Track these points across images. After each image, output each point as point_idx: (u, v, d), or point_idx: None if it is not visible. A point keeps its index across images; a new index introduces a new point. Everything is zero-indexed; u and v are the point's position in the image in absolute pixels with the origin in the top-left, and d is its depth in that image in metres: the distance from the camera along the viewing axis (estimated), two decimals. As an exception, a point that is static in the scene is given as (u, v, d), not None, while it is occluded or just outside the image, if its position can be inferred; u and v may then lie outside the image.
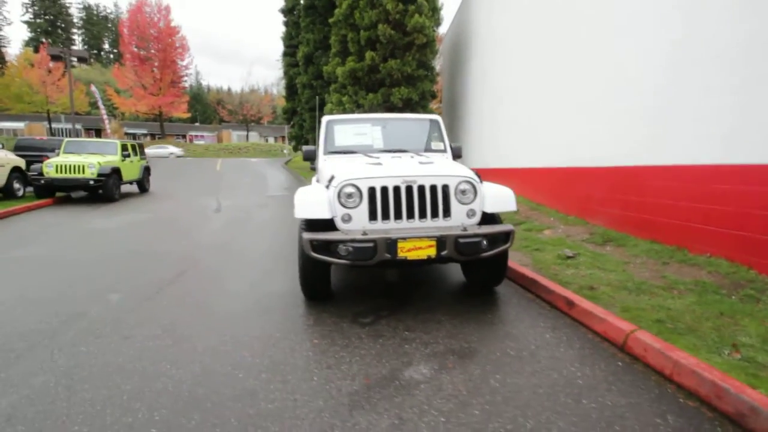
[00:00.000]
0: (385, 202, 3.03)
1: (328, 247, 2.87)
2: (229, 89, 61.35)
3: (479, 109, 12.35)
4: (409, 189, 3.05)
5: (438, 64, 14.58)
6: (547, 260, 4.30)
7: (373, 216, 3.02)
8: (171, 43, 33.37)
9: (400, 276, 4.02)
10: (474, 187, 3.16)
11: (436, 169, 3.23)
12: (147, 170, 12.69)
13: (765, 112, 3.41)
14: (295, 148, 22.49)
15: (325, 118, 4.43)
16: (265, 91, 63.98)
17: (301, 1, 20.53)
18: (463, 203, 3.12)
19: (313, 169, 4.37)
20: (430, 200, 3.06)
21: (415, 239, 2.84)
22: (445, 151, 4.35)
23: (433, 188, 3.07)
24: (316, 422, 1.79)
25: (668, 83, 4.39)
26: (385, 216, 3.03)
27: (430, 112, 13.83)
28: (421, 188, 3.06)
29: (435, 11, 13.23)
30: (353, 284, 3.78)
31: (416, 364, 2.29)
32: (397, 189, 3.04)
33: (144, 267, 4.34)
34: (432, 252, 2.86)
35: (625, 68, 5.02)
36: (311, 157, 4.34)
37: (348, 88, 13.55)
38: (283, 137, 56.08)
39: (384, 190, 3.03)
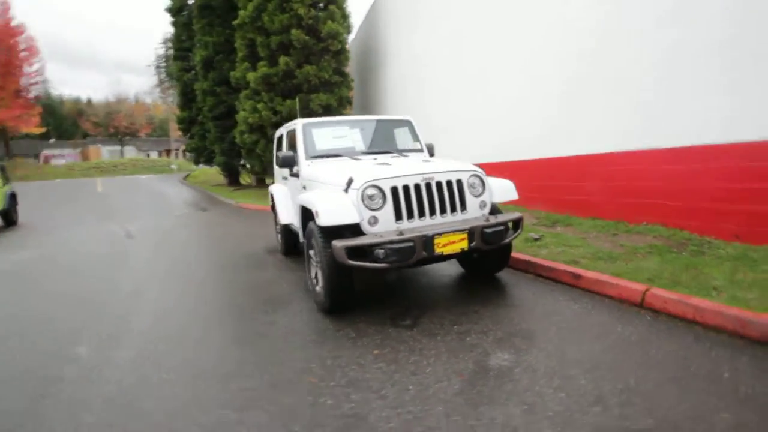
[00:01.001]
0: (408, 200, 3.00)
1: (365, 252, 2.73)
2: (89, 99, 52.91)
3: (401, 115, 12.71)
4: (428, 186, 3.08)
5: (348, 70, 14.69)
6: (517, 245, 4.71)
7: (398, 216, 2.97)
8: (14, 45, 27.33)
9: (398, 276, 4.01)
10: (482, 180, 3.33)
11: (447, 165, 3.32)
12: (13, 197, 10.22)
13: (676, 107, 4.29)
14: (196, 162, 20.35)
15: (300, 122, 4.18)
16: (136, 100, 56.90)
17: (189, 1, 18.82)
18: (476, 196, 3.27)
19: (295, 175, 4.08)
20: (448, 195, 3.14)
21: (449, 234, 2.88)
22: (422, 150, 4.47)
23: (449, 183, 3.16)
24: (454, 427, 1.71)
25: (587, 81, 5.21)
26: (410, 214, 3.01)
27: (341, 115, 13.89)
28: (439, 184, 3.12)
29: (345, 18, 13.37)
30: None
31: (493, 352, 2.33)
32: (417, 187, 3.04)
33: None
34: (465, 245, 2.94)
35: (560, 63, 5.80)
36: (290, 163, 4.05)
37: (263, 95, 12.85)
38: (168, 151, 50.39)
39: (406, 188, 3.01)
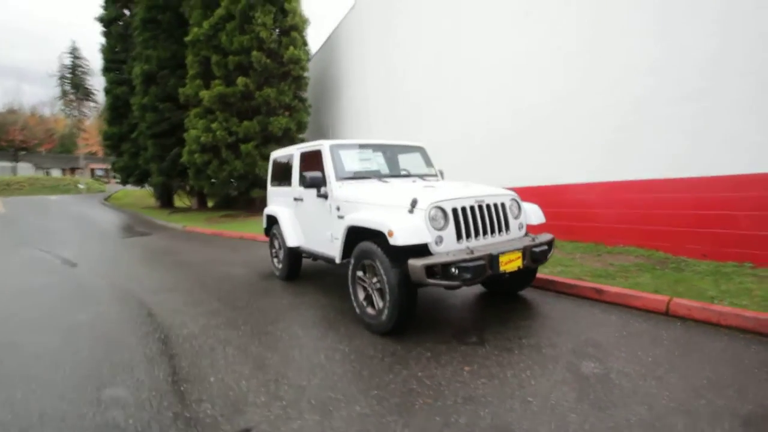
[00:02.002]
0: (465, 221, 3.15)
1: (442, 270, 2.79)
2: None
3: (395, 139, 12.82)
4: (480, 208, 3.26)
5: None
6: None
7: (459, 236, 3.09)
8: None
9: (423, 296, 4.06)
10: (518, 203, 3.62)
11: (488, 189, 3.54)
12: None
13: (642, 147, 5.10)
14: (124, 182, 18.28)
15: (327, 144, 4.14)
16: (31, 112, 50.07)
17: (126, 12, 17.50)
18: (515, 218, 3.53)
19: (323, 196, 3.99)
20: (496, 216, 3.35)
21: (509, 252, 3.06)
22: (436, 175, 4.68)
23: (496, 206, 3.38)
24: (601, 430, 1.82)
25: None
26: (468, 234, 3.15)
27: (302, 140, 13.79)
28: (488, 206, 3.32)
29: (305, 44, 13.50)
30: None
31: (578, 362, 2.50)
32: (472, 208, 3.21)
33: None
34: (520, 263, 3.14)
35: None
36: (318, 184, 3.97)
37: (217, 114, 12.26)
38: (74, 169, 44.69)
39: (464, 210, 3.16)
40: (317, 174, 3.99)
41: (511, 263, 3.07)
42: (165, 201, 17.83)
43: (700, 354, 2.54)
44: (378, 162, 4.36)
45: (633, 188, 5.19)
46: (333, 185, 3.91)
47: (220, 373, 2.55)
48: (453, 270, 2.79)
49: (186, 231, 11.79)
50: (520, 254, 3.13)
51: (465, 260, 2.81)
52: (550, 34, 6.18)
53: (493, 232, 3.31)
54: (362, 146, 4.37)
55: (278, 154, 5.40)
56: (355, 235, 3.38)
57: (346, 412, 2.06)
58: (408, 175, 4.38)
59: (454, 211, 3.10)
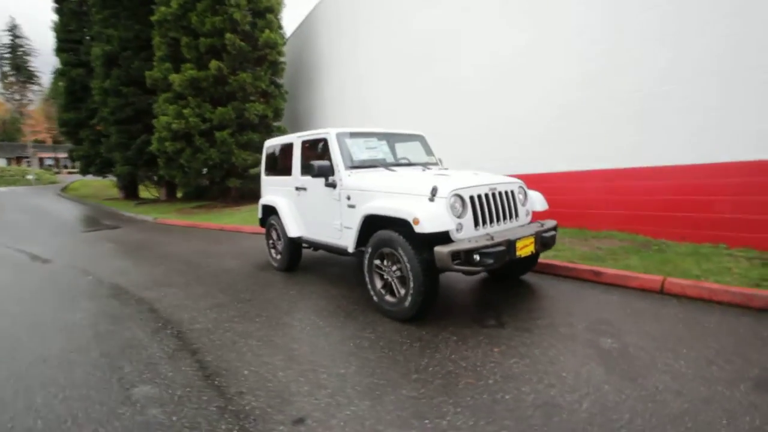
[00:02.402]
0: (482, 208, 3.24)
1: (465, 257, 2.87)
2: None
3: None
4: (493, 195, 3.37)
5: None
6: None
7: (476, 222, 3.19)
8: None
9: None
10: (525, 191, 3.76)
11: (499, 177, 3.65)
12: None
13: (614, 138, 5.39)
14: (84, 171, 17.05)
15: (333, 131, 4.09)
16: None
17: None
18: (523, 205, 3.67)
19: (332, 185, 3.95)
20: (507, 203, 3.47)
21: (524, 238, 3.19)
22: (437, 164, 4.75)
23: (507, 193, 3.50)
24: (637, 398, 1.98)
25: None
26: (484, 222, 3.25)
27: (279, 129, 13.45)
28: (500, 194, 3.44)
29: (280, 28, 13.05)
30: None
31: (596, 338, 2.68)
32: (486, 196, 3.31)
33: None
34: (533, 248, 3.28)
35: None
36: (326, 173, 3.93)
37: (189, 100, 11.69)
38: (20, 158, 41.28)
39: (479, 197, 3.25)
40: (325, 163, 3.95)
41: (525, 248, 3.20)
42: (130, 192, 16.87)
43: (701, 327, 2.79)
44: (383, 150, 4.37)
45: (614, 176, 5.50)
46: (342, 174, 3.89)
47: (252, 366, 2.53)
48: (475, 256, 2.88)
49: (158, 223, 11.28)
50: (533, 239, 3.28)
51: (487, 246, 2.91)
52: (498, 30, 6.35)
53: (505, 218, 3.43)
54: (368, 134, 4.35)
55: (274, 142, 5.27)
56: (370, 224, 3.40)
57: (394, 396, 2.11)
58: (410, 164, 4.41)
59: (471, 198, 3.18)
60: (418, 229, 2.89)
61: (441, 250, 2.84)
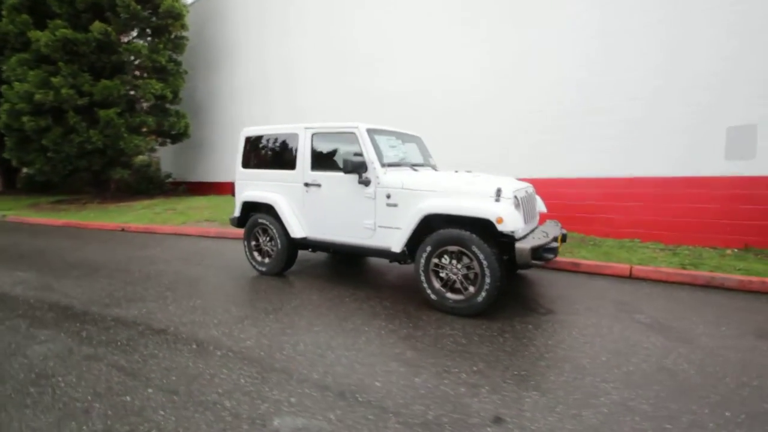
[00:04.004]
0: (524, 208, 3.60)
1: (540, 252, 3.17)
2: None
3: (255, 122, 11.67)
4: (527, 196, 3.77)
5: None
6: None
7: (524, 221, 3.52)
8: None
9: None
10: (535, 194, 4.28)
11: (515, 180, 4.07)
12: None
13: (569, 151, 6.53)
14: None
15: (363, 126, 3.90)
16: None
17: None
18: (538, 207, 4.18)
19: (365, 183, 3.76)
20: (532, 204, 3.92)
21: (558, 237, 3.66)
22: (434, 165, 4.96)
23: (531, 195, 3.95)
24: (699, 354, 2.57)
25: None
26: (525, 221, 3.61)
27: (177, 113, 11.69)
28: (530, 196, 3.86)
29: (182, -2, 11.33)
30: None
31: (627, 315, 3.28)
32: (524, 198, 3.68)
33: None
34: (559, 244, 3.78)
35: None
36: (360, 169, 3.74)
37: (61, 66, 9.20)
38: None
39: (523, 199, 3.59)
40: (361, 159, 3.76)
41: (559, 246, 3.68)
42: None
43: (687, 301, 3.69)
44: (403, 150, 4.36)
45: (556, 184, 6.61)
46: (378, 171, 3.76)
47: (374, 377, 2.32)
48: (543, 252, 3.22)
49: (11, 221, 8.57)
50: (559, 236, 3.79)
51: (550, 243, 3.27)
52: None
53: (532, 218, 3.87)
54: (387, 133, 4.27)
55: (258, 131, 4.69)
56: (429, 222, 3.42)
57: (550, 383, 2.26)
58: (424, 164, 4.51)
59: (521, 199, 3.51)
60: (500, 227, 3.07)
61: (524, 246, 3.07)
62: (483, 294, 3.17)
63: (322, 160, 4.20)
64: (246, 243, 4.69)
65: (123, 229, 7.89)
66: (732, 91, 5.23)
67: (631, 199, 5.99)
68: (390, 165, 3.91)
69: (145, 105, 11.04)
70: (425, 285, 3.43)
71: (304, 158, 4.24)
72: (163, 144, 12.05)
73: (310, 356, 2.59)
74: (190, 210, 9.49)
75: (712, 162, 5.38)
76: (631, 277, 4.46)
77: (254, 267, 4.66)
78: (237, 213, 4.76)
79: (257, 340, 2.83)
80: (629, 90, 5.96)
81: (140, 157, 12.50)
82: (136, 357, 2.56)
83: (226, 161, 12.65)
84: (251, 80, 11.47)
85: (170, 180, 14.26)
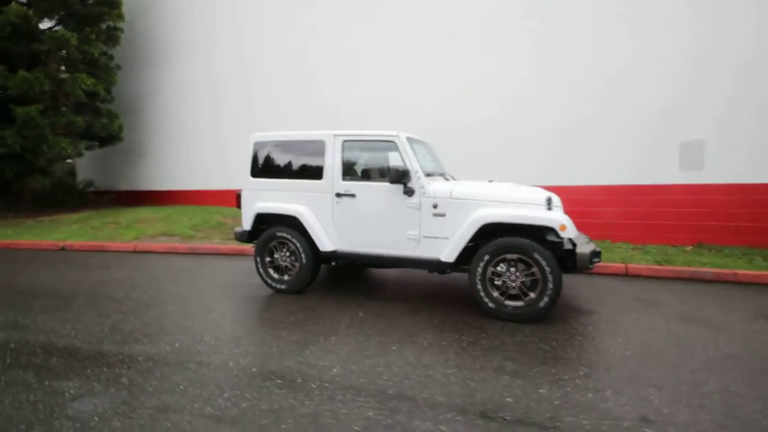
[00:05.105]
0: (562, 216, 3.82)
1: (594, 257, 3.37)
2: None
3: (201, 126, 10.77)
4: (557, 205, 4.00)
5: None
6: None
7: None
8: None
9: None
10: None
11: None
12: None
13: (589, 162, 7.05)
14: None
15: (403, 135, 3.80)
16: None
17: None
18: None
19: (409, 193, 3.67)
20: (560, 212, 4.18)
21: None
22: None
23: (557, 203, 4.20)
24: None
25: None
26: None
27: (109, 112, 10.29)
28: (557, 203, 4.11)
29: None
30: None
31: (660, 309, 3.64)
32: (560, 205, 3.91)
33: None
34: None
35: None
36: (403, 178, 3.63)
37: (-37, 51, 7.52)
38: None
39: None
40: (405, 167, 3.66)
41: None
42: None
43: (692, 294, 4.20)
44: (431, 159, 4.34)
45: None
46: (423, 181, 3.70)
47: (498, 393, 2.26)
48: (594, 256, 3.43)
49: None
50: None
51: (597, 247, 3.50)
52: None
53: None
54: (417, 141, 4.21)
55: (273, 137, 4.32)
56: (485, 230, 3.44)
57: (666, 371, 2.41)
58: (443, 173, 4.54)
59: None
60: (564, 234, 3.21)
61: (585, 251, 3.24)
62: (545, 299, 3.27)
63: (356, 169, 4.02)
64: (259, 259, 4.26)
65: (63, 248, 6.65)
66: (685, 113, 6.15)
67: (603, 205, 6.68)
68: (428, 174, 3.88)
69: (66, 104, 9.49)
70: (482, 294, 3.44)
71: (333, 167, 3.99)
72: (90, 148, 10.45)
73: (416, 378, 2.43)
74: (137, 223, 8.35)
75: (669, 172, 6.25)
76: (627, 274, 4.96)
77: (269, 285, 4.25)
78: (247, 226, 4.31)
79: (343, 366, 2.58)
80: (604, 119, 6.68)
81: (62, 163, 10.67)
82: (221, 402, 2.17)
83: (167, 167, 11.43)
84: (198, 81, 10.53)
85: (92, 189, 12.41)
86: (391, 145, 3.84)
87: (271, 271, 4.27)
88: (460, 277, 4.74)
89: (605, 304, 3.85)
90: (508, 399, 2.21)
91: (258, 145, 4.36)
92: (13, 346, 2.91)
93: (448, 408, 2.12)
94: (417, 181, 3.71)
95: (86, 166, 12.80)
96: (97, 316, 3.52)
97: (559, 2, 6.85)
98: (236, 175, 10.69)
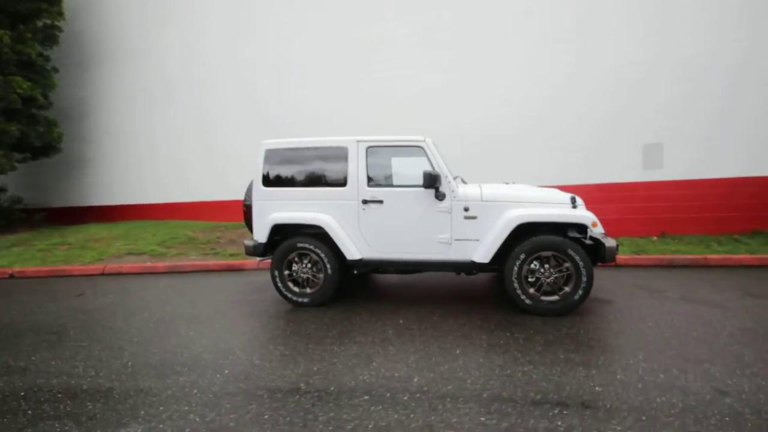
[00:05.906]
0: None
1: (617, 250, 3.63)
2: None
3: (154, 133, 9.97)
4: (570, 203, 4.27)
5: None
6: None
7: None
8: None
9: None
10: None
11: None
12: None
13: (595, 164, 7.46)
14: None
15: (428, 139, 3.82)
16: None
17: None
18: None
19: (440, 198, 3.69)
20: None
21: (598, 235, 4.23)
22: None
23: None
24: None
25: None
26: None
27: (46, 120, 9.16)
28: (566, 202, 4.38)
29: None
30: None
31: (669, 294, 4.02)
32: (573, 204, 4.17)
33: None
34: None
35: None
36: (435, 183, 3.65)
37: None
38: None
39: (577, 205, 4.07)
40: (436, 172, 3.68)
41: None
42: None
43: (681, 278, 4.67)
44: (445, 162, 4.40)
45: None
46: (453, 184, 3.75)
47: (588, 385, 2.35)
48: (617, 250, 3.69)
49: None
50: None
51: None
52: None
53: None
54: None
55: (288, 144, 4.11)
56: (518, 231, 3.57)
57: (710, 346, 2.66)
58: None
59: (579, 205, 3.97)
60: (594, 231, 3.42)
61: (613, 245, 3.48)
62: (580, 292, 3.46)
63: (382, 175, 3.96)
64: (277, 273, 4.02)
65: (12, 275, 5.73)
66: (642, 117, 6.88)
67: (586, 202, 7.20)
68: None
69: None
70: (519, 291, 3.56)
71: (358, 173, 3.90)
72: (23, 160, 9.17)
73: (499, 378, 2.45)
74: (91, 242, 7.47)
75: (634, 171, 6.94)
76: (617, 265, 5.40)
77: (289, 299, 4.03)
78: (262, 238, 4.05)
79: (421, 375, 2.53)
80: (570, 124, 7.25)
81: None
82: (321, 428, 2.02)
83: (113, 180, 10.39)
84: (148, 85, 9.73)
85: (20, 207, 10.87)
86: (417, 150, 3.85)
87: (290, 284, 4.06)
88: (473, 278, 4.86)
89: (615, 293, 4.17)
90: (597, 388, 2.31)
91: (269, 153, 4.13)
92: (22, 393, 2.46)
93: (550, 404, 2.16)
94: (447, 185, 3.75)
95: (13, 181, 11.18)
96: (108, 350, 3.10)
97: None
98: (196, 187, 10.09)
